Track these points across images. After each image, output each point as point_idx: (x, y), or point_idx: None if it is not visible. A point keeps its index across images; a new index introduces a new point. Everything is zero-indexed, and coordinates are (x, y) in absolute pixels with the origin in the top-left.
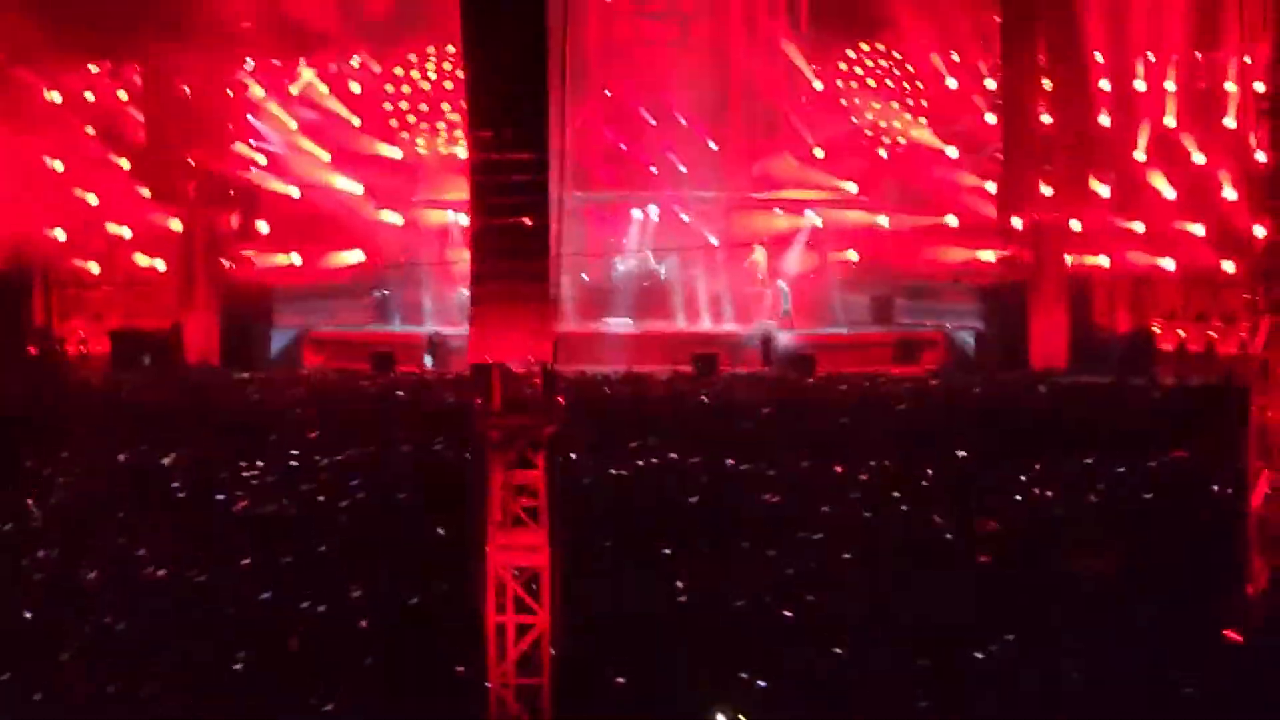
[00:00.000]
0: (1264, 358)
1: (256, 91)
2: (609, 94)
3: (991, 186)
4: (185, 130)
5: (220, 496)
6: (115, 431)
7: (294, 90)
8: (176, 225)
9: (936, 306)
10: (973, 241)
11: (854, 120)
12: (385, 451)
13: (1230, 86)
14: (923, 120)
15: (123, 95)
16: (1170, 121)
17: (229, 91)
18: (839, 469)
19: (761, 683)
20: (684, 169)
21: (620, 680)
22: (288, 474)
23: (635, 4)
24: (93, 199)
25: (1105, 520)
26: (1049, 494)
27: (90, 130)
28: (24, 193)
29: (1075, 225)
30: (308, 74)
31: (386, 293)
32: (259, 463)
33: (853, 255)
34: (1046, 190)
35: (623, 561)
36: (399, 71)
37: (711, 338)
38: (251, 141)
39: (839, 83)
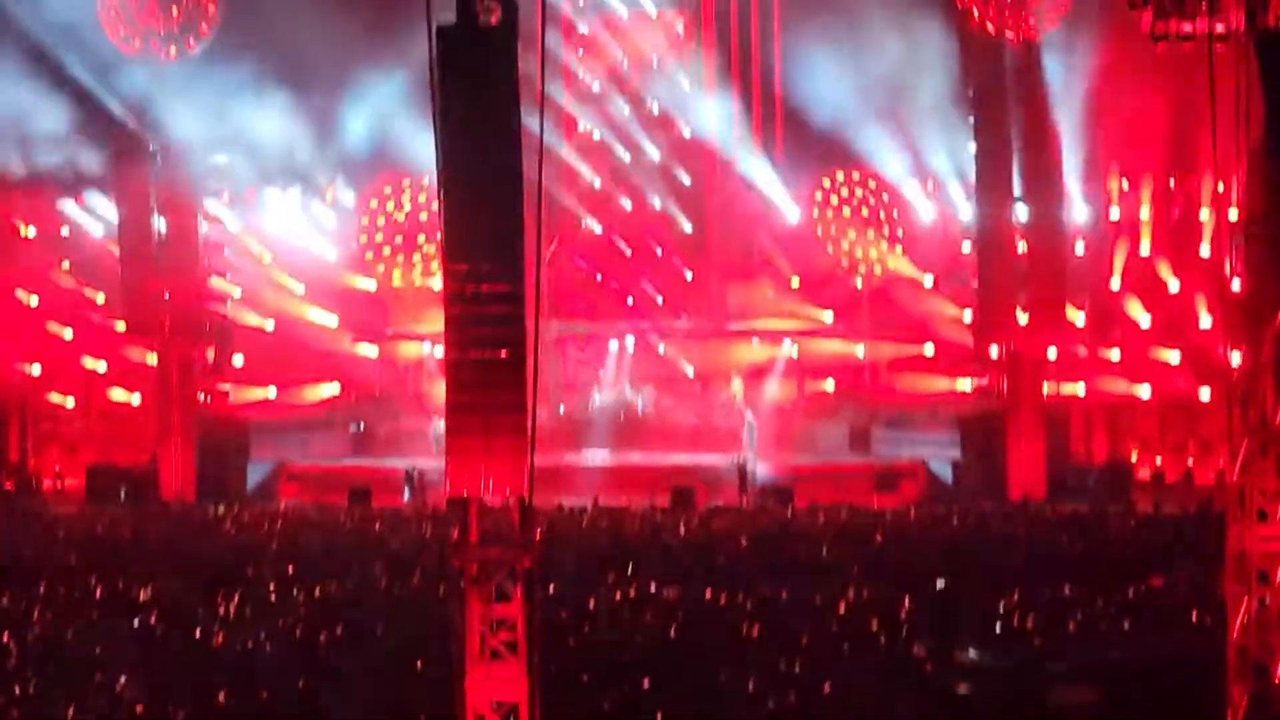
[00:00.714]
0: (1241, 484)
1: (230, 224)
2: (584, 224)
3: (968, 315)
4: (159, 264)
5: (197, 631)
6: (92, 566)
7: (268, 223)
8: (152, 359)
9: (914, 436)
10: (949, 370)
11: (830, 249)
12: (363, 585)
13: (1204, 213)
14: (899, 249)
15: (96, 229)
16: (1145, 249)
17: (203, 225)
18: (818, 599)
19: None
20: (660, 299)
21: None
22: (265, 608)
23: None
24: (67, 333)
25: (1085, 650)
26: (1028, 624)
27: (64, 264)
28: None
29: (1051, 354)
30: (282, 206)
31: (362, 425)
32: (236, 597)
33: (829, 385)
34: (1023, 319)
35: (602, 695)
36: (373, 203)
37: (689, 469)
38: (226, 275)
39: (815, 212)
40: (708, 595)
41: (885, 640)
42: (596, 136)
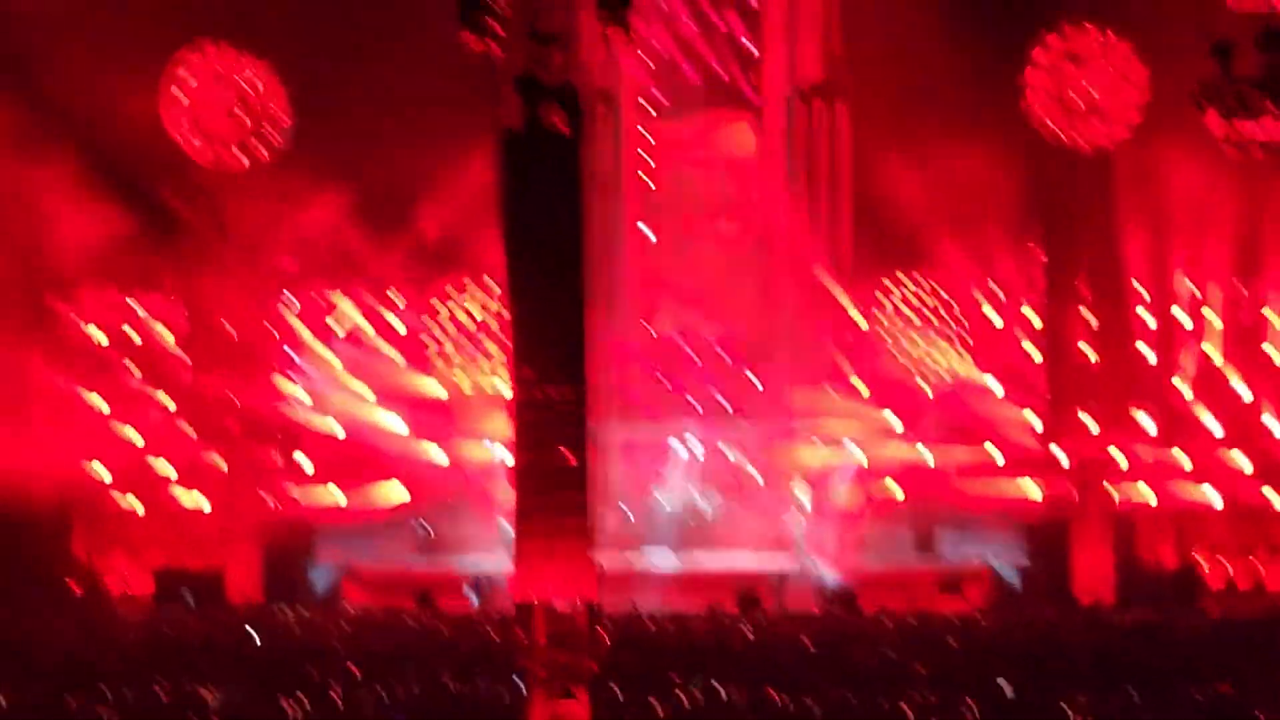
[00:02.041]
0: None
1: (299, 327)
2: (649, 327)
3: (1035, 420)
4: (228, 366)
5: None
6: (158, 668)
7: (336, 327)
8: (219, 463)
9: (980, 540)
10: (1017, 475)
11: (896, 353)
12: (429, 689)
13: (1272, 316)
14: (965, 353)
15: (166, 333)
16: (1213, 353)
17: (272, 329)
18: (885, 704)
19: None
20: (725, 402)
21: None
22: (332, 712)
23: (675, 238)
24: (135, 435)
25: None
26: None
27: (132, 366)
28: (66, 429)
29: (1119, 458)
30: (349, 309)
31: (430, 529)
32: (303, 701)
33: (895, 489)
34: (1090, 423)
35: None
36: (441, 307)
37: (755, 573)
38: (294, 377)
39: (880, 315)
40: (775, 699)
41: None
42: (659, 239)
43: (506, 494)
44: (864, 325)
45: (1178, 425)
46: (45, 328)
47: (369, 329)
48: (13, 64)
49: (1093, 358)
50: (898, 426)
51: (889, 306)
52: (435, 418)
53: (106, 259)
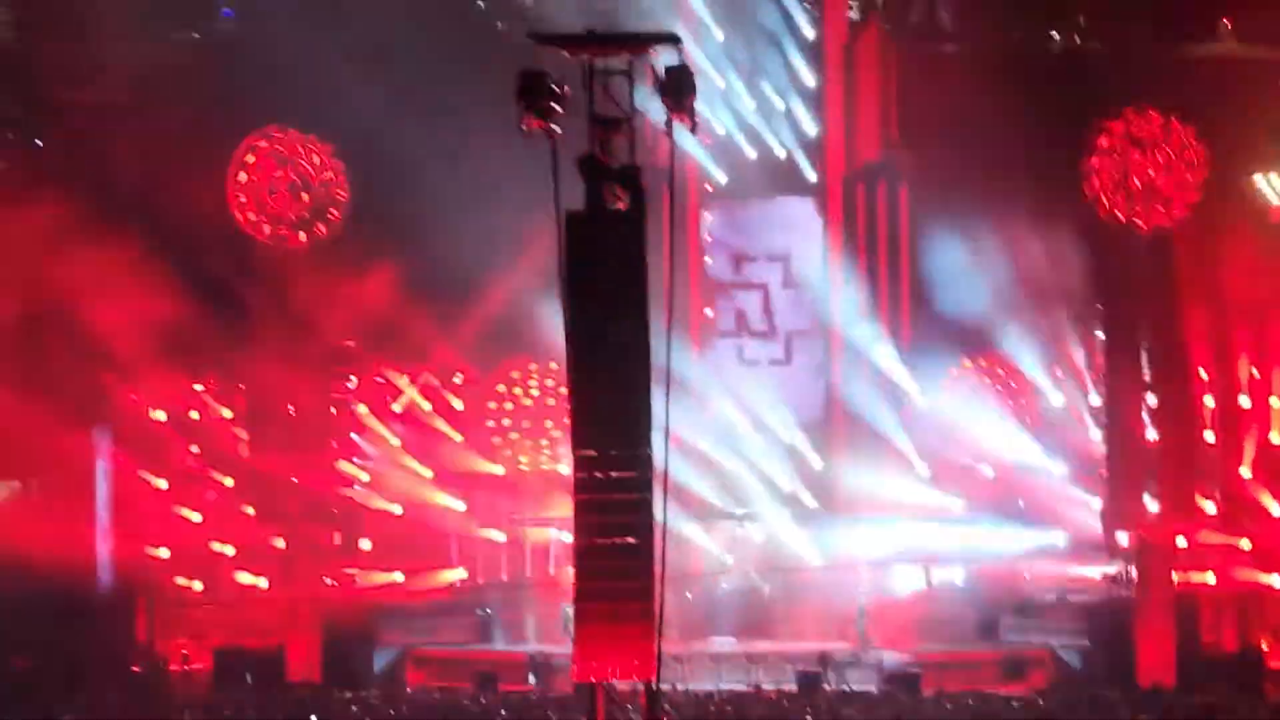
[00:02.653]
0: None
1: (359, 408)
2: (713, 411)
3: (1097, 502)
4: (288, 446)
5: None
6: None
7: (396, 407)
8: (279, 543)
9: (1042, 624)
10: (1078, 558)
11: (957, 435)
12: None
13: None
14: (1027, 435)
15: (226, 413)
16: (1276, 437)
17: (332, 409)
18: None
19: None
20: (785, 485)
21: None
22: None
23: (738, 322)
24: (196, 517)
25: None
26: None
27: (194, 448)
28: (128, 511)
29: (1181, 542)
30: (410, 390)
31: (489, 611)
32: None
33: (958, 572)
34: (1152, 506)
35: None
36: (501, 387)
37: (815, 655)
38: (354, 459)
39: (941, 397)
40: None
41: None
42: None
43: (567, 575)
44: (925, 407)
45: (1239, 508)
46: (107, 409)
47: (429, 408)
48: (78, 149)
49: (1154, 439)
50: (959, 509)
51: (951, 388)
52: (495, 498)
53: (168, 340)
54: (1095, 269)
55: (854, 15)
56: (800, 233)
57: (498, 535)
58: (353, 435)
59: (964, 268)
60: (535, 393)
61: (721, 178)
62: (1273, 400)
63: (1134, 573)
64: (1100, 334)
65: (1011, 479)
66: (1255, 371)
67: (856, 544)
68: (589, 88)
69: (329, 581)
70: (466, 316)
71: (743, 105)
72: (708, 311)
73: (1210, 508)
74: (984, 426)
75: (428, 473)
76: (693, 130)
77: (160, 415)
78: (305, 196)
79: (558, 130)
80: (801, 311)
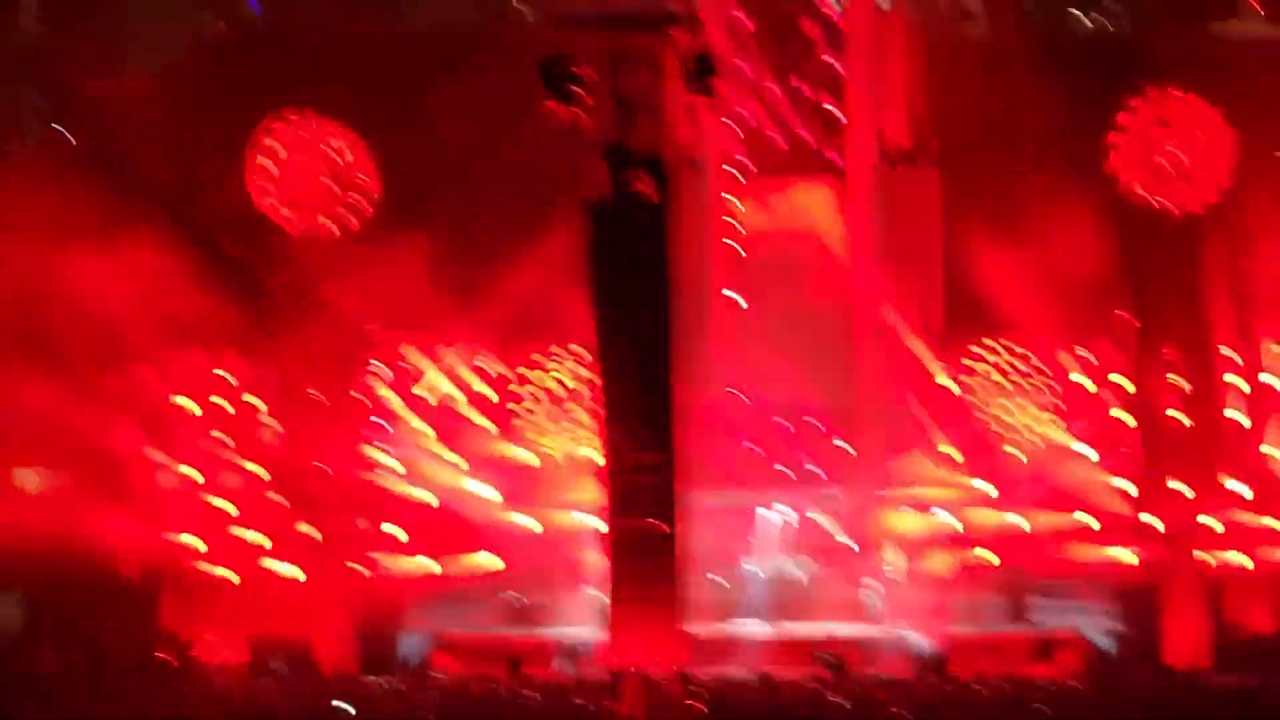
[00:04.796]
0: None
1: (389, 395)
2: (738, 394)
3: (1126, 485)
4: (319, 435)
5: None
6: None
7: (426, 394)
8: (309, 531)
9: (1072, 606)
10: (1109, 541)
11: (988, 419)
12: None
13: None
14: (1055, 418)
15: (257, 402)
16: None
17: (362, 397)
18: None
19: None
20: (815, 469)
21: None
22: None
23: (764, 304)
24: (227, 505)
25: None
26: None
27: (223, 436)
28: (158, 500)
29: (1212, 523)
30: (439, 377)
31: (520, 596)
32: None
33: (988, 555)
34: (1181, 488)
35: None
36: (528, 373)
37: (846, 640)
38: (385, 446)
39: (969, 380)
40: None
41: None
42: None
43: (598, 561)
44: (956, 391)
45: (1269, 489)
46: (137, 399)
47: (460, 397)
48: (105, 139)
49: (1185, 423)
50: (990, 493)
51: (980, 372)
52: (526, 485)
53: (197, 330)
54: (1125, 253)
55: (881, 1)
56: (828, 218)
57: (528, 521)
58: (384, 424)
59: (994, 252)
60: (566, 381)
61: (748, 164)
62: None
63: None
64: (1130, 318)
65: (1041, 462)
66: None
67: (888, 528)
68: (613, 73)
69: (361, 570)
70: (497, 305)
71: (769, 91)
72: (735, 296)
73: (1241, 489)
74: (1013, 410)
75: (460, 461)
76: (714, 107)
77: (188, 403)
78: (333, 185)
79: (584, 118)
80: (827, 295)
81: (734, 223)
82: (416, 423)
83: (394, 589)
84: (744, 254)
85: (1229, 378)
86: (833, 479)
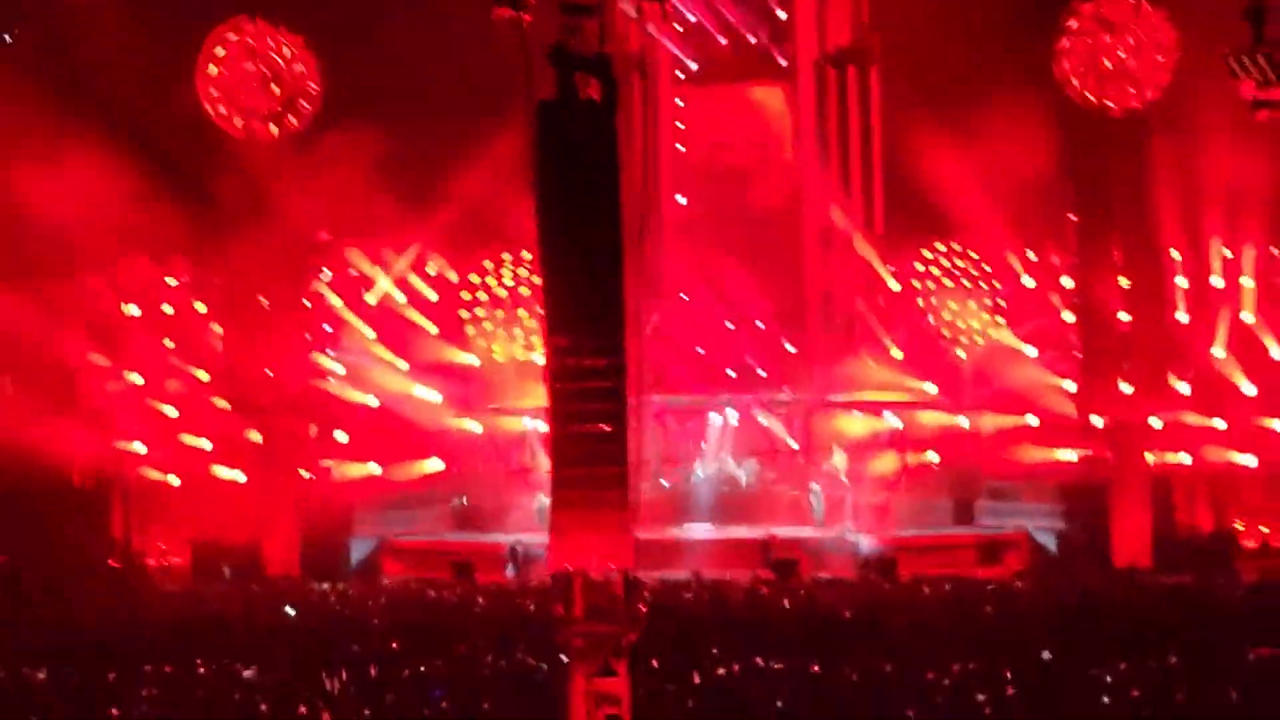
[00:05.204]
0: None
1: (333, 299)
2: (685, 297)
3: (1071, 385)
4: (263, 340)
5: (303, 710)
6: (197, 643)
7: (370, 299)
8: (256, 437)
9: (1018, 507)
10: (1053, 441)
11: (931, 320)
12: (467, 661)
13: None
14: (1000, 320)
15: (200, 307)
16: (1248, 317)
17: (306, 301)
18: (923, 672)
19: None
20: (762, 372)
21: None
22: (369, 685)
23: (709, 205)
24: (171, 411)
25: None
26: (1135, 693)
27: (168, 342)
28: (102, 405)
29: (1155, 423)
30: (384, 282)
31: (466, 501)
32: (341, 675)
33: (933, 457)
34: (1126, 388)
35: None
36: (474, 278)
37: (792, 542)
38: (329, 351)
39: (915, 283)
40: (813, 668)
41: (991, 713)
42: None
43: (542, 464)
44: (899, 291)
45: (1212, 389)
46: (85, 306)
47: (403, 300)
48: (48, 44)
49: (1131, 324)
50: (934, 394)
51: (923, 273)
52: (470, 389)
53: (141, 234)
54: (1068, 153)
55: None
56: (773, 118)
57: (473, 425)
58: (327, 327)
59: (937, 152)
60: (509, 282)
61: (693, 65)
62: (1244, 280)
63: None
64: (1073, 218)
65: (987, 364)
66: (1228, 253)
67: (832, 429)
68: None
69: (306, 475)
70: (441, 209)
71: None
72: (680, 199)
73: (1184, 389)
74: (959, 312)
75: (403, 364)
76: (663, 17)
77: (133, 310)
78: (276, 89)
79: (530, 19)
80: (774, 197)
81: (681, 126)
82: (363, 328)
83: (340, 494)
84: (691, 157)
85: (1176, 279)
86: (780, 382)
